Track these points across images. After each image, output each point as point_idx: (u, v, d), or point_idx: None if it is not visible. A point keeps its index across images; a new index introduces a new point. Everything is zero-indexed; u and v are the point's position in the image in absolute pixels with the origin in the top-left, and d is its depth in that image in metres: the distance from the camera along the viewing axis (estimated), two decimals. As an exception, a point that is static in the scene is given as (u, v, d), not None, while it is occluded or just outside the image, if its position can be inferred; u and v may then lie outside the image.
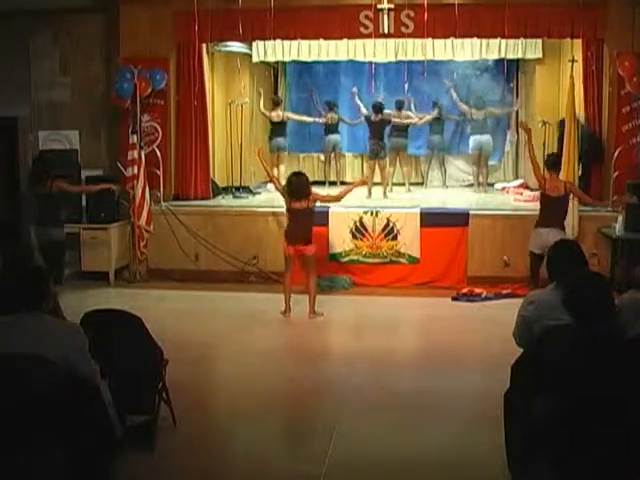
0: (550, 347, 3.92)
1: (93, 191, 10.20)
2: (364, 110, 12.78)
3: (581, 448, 3.65)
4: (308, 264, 8.78)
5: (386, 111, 12.77)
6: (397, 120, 12.99)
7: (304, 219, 8.68)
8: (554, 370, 3.80)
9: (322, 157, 14.73)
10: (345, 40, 12.15)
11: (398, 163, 13.63)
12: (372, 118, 12.53)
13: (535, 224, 8.66)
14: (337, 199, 9.30)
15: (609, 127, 10.46)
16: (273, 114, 13.39)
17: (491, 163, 14.05)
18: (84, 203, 10.59)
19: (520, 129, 11.07)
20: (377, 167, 12.64)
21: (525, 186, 12.95)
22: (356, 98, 13.11)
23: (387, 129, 12.88)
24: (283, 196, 8.88)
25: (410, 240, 10.26)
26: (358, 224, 10.38)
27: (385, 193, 12.53)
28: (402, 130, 13.27)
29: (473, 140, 13.31)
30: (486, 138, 13.19)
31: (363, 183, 9.44)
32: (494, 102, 13.82)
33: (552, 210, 8.54)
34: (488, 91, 14.00)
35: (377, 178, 12.72)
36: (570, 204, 9.00)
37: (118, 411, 4.38)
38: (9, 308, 4.15)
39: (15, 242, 10.10)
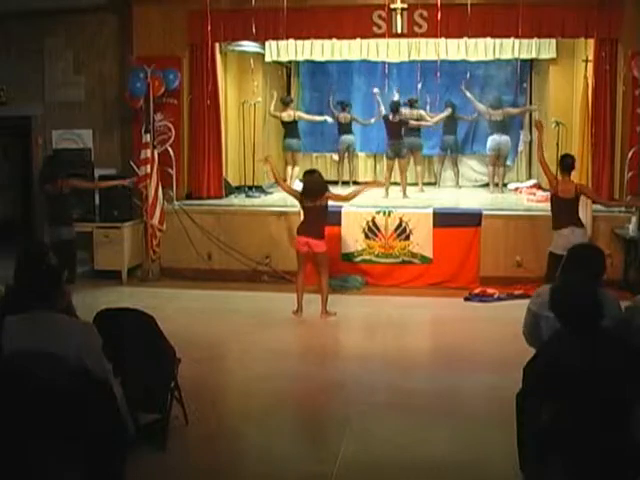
0: (551, 349, 3.94)
1: (105, 186, 10.24)
2: (383, 110, 12.74)
3: (586, 450, 3.65)
4: (320, 263, 8.78)
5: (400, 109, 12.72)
6: (412, 122, 12.94)
7: (317, 215, 8.71)
8: (554, 373, 3.81)
9: (335, 157, 14.72)
10: (358, 40, 12.18)
11: (412, 162, 13.60)
12: (390, 118, 12.46)
13: (553, 226, 8.45)
14: (347, 199, 9.33)
15: (623, 127, 10.41)
16: (284, 114, 13.33)
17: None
18: (97, 202, 10.64)
19: (534, 128, 10.99)
20: (397, 166, 12.60)
21: (538, 186, 12.87)
22: (377, 97, 13.05)
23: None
24: (295, 197, 8.90)
25: (423, 240, 10.23)
26: (371, 224, 10.36)
27: (405, 192, 12.49)
28: (415, 129, 13.21)
29: (491, 140, 13.08)
30: (505, 139, 13.01)
31: (377, 185, 9.41)
32: (507, 102, 13.75)
33: (565, 211, 8.34)
34: (502, 91, 13.95)
35: (392, 178, 12.70)
36: (584, 204, 8.92)
37: (130, 409, 4.39)
38: (23, 306, 4.17)
39: (29, 240, 10.16)
